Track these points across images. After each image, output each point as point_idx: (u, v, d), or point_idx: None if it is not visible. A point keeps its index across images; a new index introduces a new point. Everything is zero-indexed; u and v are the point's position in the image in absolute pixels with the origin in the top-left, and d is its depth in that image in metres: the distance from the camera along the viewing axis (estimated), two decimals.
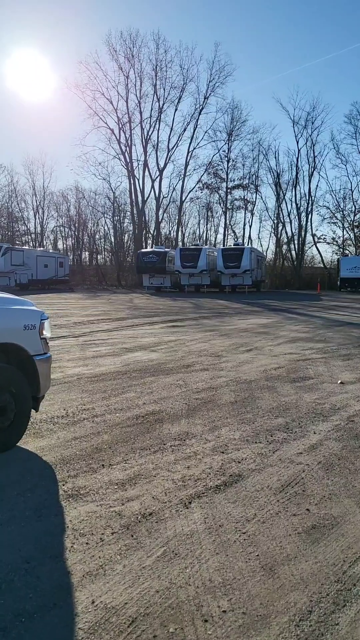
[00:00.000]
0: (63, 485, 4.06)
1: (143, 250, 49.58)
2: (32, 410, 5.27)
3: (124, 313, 21.73)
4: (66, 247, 73.12)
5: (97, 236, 71.51)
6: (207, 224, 73.51)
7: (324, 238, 62.55)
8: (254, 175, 63.38)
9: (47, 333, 5.31)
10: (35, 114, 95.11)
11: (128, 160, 60.20)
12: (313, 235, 62.28)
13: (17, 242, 66.68)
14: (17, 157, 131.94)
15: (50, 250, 60.86)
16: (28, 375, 5.07)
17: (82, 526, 3.39)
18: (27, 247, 54.79)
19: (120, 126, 59.73)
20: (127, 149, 60.06)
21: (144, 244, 59.73)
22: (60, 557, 3.00)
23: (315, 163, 60.05)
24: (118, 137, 59.75)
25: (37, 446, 5.01)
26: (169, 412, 6.31)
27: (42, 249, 58.91)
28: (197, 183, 63.79)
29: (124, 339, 13.31)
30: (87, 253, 72.56)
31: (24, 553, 3.05)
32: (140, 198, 61.25)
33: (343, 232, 61.04)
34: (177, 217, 66.29)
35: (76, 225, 70.36)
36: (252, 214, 66.33)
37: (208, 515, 3.54)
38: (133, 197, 61.37)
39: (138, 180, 61.12)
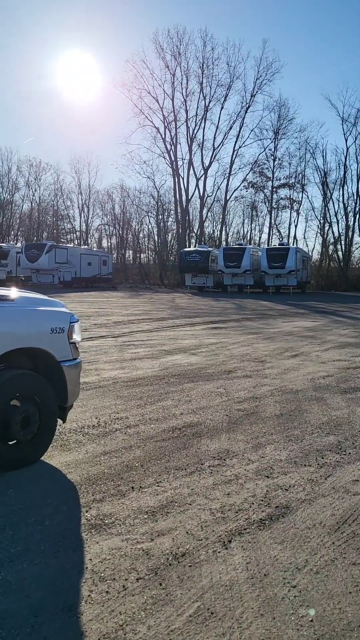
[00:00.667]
0: (87, 511, 3.59)
1: (186, 249, 49.16)
2: (60, 420, 4.86)
3: (165, 313, 21.31)
4: (110, 246, 73.50)
5: (141, 235, 71.58)
6: (251, 224, 72.65)
7: None
8: (301, 174, 62.16)
9: (77, 337, 4.87)
10: (82, 113, 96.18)
11: (173, 158, 59.97)
12: None
13: (62, 240, 67.32)
14: (64, 156, 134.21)
15: (94, 249, 61.15)
16: (55, 383, 4.64)
17: (103, 567, 2.91)
18: (71, 245, 55.10)
19: (166, 124, 59.58)
20: (172, 147, 59.85)
21: (187, 243, 59.30)
22: (74, 610, 2.52)
23: None
24: (163, 136, 59.60)
25: (62, 461, 4.57)
26: (208, 424, 5.79)
27: (86, 247, 59.24)
28: (242, 182, 63.11)
29: (164, 341, 12.86)
30: (130, 252, 72.71)
31: (33, 601, 2.59)
32: (184, 197, 60.93)
33: None
34: (221, 217, 65.68)
35: (120, 223, 70.56)
36: (298, 214, 65.11)
37: (251, 560, 3.01)
38: (177, 195, 61.11)
39: (182, 179, 60.82)
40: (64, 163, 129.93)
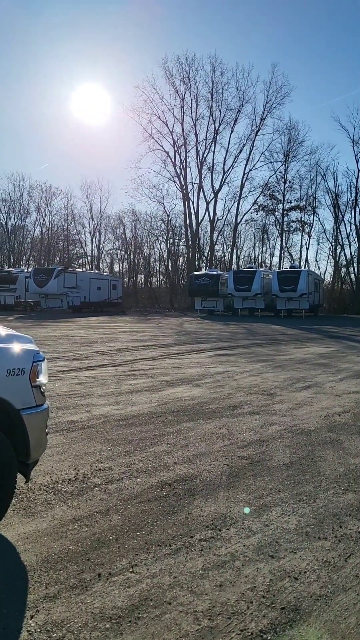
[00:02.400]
0: (32, 617, 2.74)
1: (196, 273, 48.53)
2: (26, 477, 4.03)
3: (172, 338, 20.48)
4: (122, 270, 73.09)
5: (152, 259, 71.14)
6: (262, 247, 71.95)
7: None
8: (312, 197, 61.60)
9: (42, 379, 4.06)
10: (92, 138, 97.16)
11: (183, 182, 59.72)
12: None
13: (74, 265, 67.04)
14: (75, 182, 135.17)
15: (106, 273, 60.71)
16: (14, 435, 3.82)
17: None
18: (79, 270, 54.69)
19: (176, 149, 59.48)
20: (182, 171, 59.64)
21: (197, 267, 58.69)
22: None
23: None
24: (173, 160, 59.46)
25: (21, 532, 3.72)
26: (204, 477, 4.92)
27: (96, 271, 58.79)
28: (253, 205, 62.54)
29: (167, 370, 12.01)
30: (142, 276, 72.20)
31: None
32: (194, 220, 60.51)
33: None
34: (231, 240, 65.08)
35: (132, 248, 70.23)
36: (310, 236, 64.29)
37: None
38: (187, 219, 60.66)
39: (193, 202, 60.48)
40: (75, 188, 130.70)
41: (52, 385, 9.66)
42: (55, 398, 8.51)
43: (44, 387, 4.10)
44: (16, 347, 3.93)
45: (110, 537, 3.66)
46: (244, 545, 3.57)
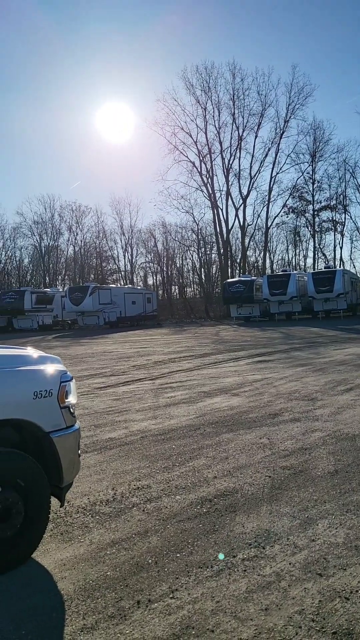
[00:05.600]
0: None
1: (229, 280, 48.24)
2: (60, 501, 3.94)
3: (209, 348, 20.30)
4: (155, 282, 73.37)
5: (184, 269, 71.23)
6: (295, 249, 71.31)
7: None
8: (342, 195, 60.75)
9: (71, 399, 3.97)
10: (118, 155, 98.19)
11: (210, 191, 59.67)
12: None
13: (108, 281, 67.64)
14: (104, 199, 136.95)
15: (140, 287, 61.02)
16: (45, 459, 3.73)
17: None
18: (114, 285, 55.11)
19: (201, 158, 59.49)
20: (209, 180, 59.59)
21: (231, 274, 58.41)
22: None
23: None
24: (199, 169, 59.48)
25: (58, 559, 3.62)
26: (245, 491, 4.74)
27: (129, 286, 59.15)
28: (283, 208, 62.06)
29: (204, 380, 11.85)
30: (176, 287, 72.31)
31: None
32: (224, 228, 60.33)
33: None
34: (263, 244, 64.63)
35: (164, 260, 70.48)
36: (342, 235, 63.41)
37: None
38: (217, 227, 60.56)
39: (221, 210, 60.33)
40: (105, 205, 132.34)
41: (89, 403, 9.62)
42: (92, 415, 8.46)
43: (73, 408, 4.01)
44: (42, 368, 3.86)
45: (149, 561, 3.52)
46: (290, 564, 3.38)
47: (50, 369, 3.91)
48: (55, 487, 3.84)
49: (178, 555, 3.58)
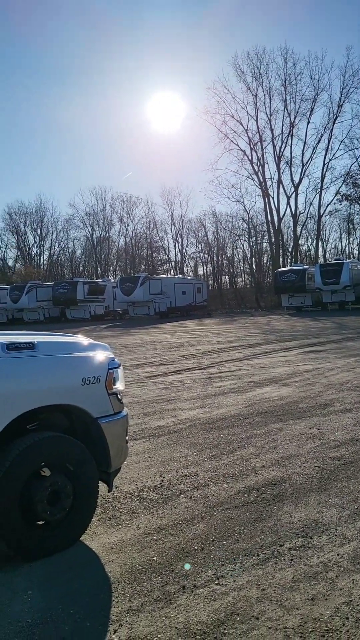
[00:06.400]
0: (115, 631, 2.66)
1: (280, 269, 47.58)
2: (108, 486, 4.01)
3: (259, 338, 20.14)
4: (206, 272, 73.30)
5: (235, 259, 70.85)
6: (349, 237, 69.67)
7: None
8: None
9: (119, 386, 4.02)
10: (168, 145, 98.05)
11: (261, 179, 58.76)
12: None
13: (158, 271, 68.02)
14: (154, 189, 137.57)
15: (190, 277, 61.06)
16: (93, 444, 3.80)
17: None
18: (164, 276, 55.34)
19: (252, 146, 58.64)
20: (260, 168, 58.70)
21: (282, 263, 57.64)
22: None
23: None
24: (250, 158, 58.70)
25: (105, 543, 3.68)
26: (294, 481, 4.69)
27: (180, 276, 59.27)
28: (335, 195, 60.46)
29: (254, 370, 11.77)
30: (226, 277, 72.04)
31: None
32: (276, 216, 59.43)
33: None
34: (315, 233, 63.43)
35: (214, 250, 70.28)
36: None
37: None
38: (269, 216, 59.69)
39: (273, 198, 59.39)
40: (155, 196, 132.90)
41: (139, 391, 9.72)
42: (142, 404, 8.54)
43: (121, 395, 4.06)
44: (91, 355, 3.92)
45: (196, 547, 3.54)
46: (338, 554, 3.32)
47: (99, 356, 3.97)
48: (104, 473, 3.91)
49: (224, 542, 3.59)
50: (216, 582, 3.08)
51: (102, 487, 3.95)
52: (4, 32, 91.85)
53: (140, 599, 2.94)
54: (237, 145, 58.78)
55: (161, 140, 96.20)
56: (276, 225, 59.47)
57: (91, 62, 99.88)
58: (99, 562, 3.42)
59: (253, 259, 67.57)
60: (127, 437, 4.12)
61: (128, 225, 75.46)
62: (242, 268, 72.62)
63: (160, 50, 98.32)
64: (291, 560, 3.29)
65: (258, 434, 6.38)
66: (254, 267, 67.01)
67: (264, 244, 66.69)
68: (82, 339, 4.21)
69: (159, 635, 2.60)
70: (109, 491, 4.12)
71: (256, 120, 58.25)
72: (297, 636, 2.54)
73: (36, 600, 2.98)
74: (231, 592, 2.96)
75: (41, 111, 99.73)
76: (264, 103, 58.21)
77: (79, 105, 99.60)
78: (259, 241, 66.96)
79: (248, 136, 58.58)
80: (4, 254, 76.97)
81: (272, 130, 58.30)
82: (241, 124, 58.50)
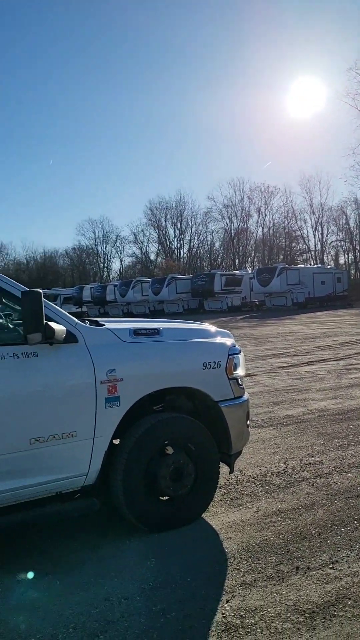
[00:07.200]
0: (227, 602, 2.81)
1: None
2: (230, 467, 4.17)
3: None
4: (347, 261, 70.59)
5: None
6: None
7: None
8: None
9: (239, 371, 4.14)
10: (306, 132, 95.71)
11: None
12: None
13: (297, 261, 66.79)
14: (292, 178, 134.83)
15: (330, 266, 59.20)
16: (215, 427, 3.97)
17: None
18: (302, 265, 54.18)
19: None
20: None
21: None
22: None
23: None
24: None
25: (225, 521, 3.84)
26: None
27: (319, 265, 57.69)
28: None
29: None
30: None
31: None
32: None
33: None
34: None
35: (357, 238, 67.43)
36: None
37: None
38: None
39: None
40: (293, 184, 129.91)
41: (270, 381, 9.76)
42: (272, 393, 8.59)
43: (241, 380, 4.18)
44: (212, 341, 4.08)
45: (313, 532, 3.57)
46: None
47: (220, 342, 4.13)
48: (225, 455, 4.07)
49: (342, 529, 3.58)
50: (330, 566, 3.10)
51: (224, 468, 4.10)
52: (150, 35, 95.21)
53: (253, 575, 3.06)
54: None
55: (300, 126, 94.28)
56: None
57: (228, 57, 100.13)
58: (217, 538, 3.58)
59: None
60: (248, 422, 4.24)
61: (266, 215, 74.92)
62: None
63: (295, 36, 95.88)
64: None
65: None
66: None
67: None
68: (206, 326, 4.39)
69: (268, 609, 2.70)
70: (230, 472, 4.27)
71: None
72: None
73: (158, 567, 3.22)
74: (345, 577, 2.97)
75: (183, 109, 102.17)
76: None
77: (218, 100, 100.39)
78: None
79: None
80: (146, 249, 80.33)
81: None
82: None
